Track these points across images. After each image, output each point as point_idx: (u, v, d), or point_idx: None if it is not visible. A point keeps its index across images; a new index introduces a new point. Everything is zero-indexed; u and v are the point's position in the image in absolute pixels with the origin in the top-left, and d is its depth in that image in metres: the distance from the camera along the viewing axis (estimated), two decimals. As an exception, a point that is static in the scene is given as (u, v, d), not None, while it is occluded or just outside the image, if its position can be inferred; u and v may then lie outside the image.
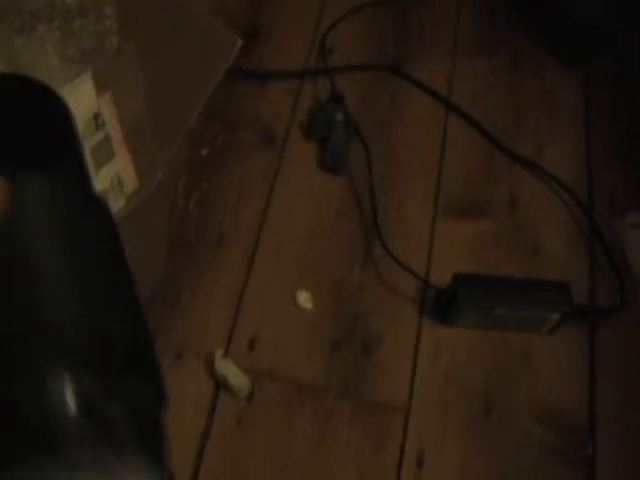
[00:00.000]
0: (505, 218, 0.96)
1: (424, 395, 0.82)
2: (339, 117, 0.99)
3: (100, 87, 0.63)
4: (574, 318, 0.85)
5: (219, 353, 0.81)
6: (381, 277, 0.90)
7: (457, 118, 1.04)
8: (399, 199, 0.97)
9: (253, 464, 0.76)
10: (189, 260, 0.89)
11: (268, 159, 0.99)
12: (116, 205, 0.67)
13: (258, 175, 0.97)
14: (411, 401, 0.81)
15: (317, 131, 1.00)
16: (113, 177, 0.66)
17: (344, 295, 0.88)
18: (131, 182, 0.68)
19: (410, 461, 0.78)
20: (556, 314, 0.84)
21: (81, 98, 0.62)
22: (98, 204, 0.37)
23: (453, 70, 1.09)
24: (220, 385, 0.80)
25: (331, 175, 0.98)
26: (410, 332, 0.86)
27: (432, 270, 0.90)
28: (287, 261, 0.90)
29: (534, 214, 0.97)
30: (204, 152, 0.98)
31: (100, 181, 0.65)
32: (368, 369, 0.83)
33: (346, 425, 0.79)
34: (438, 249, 0.93)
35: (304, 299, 0.86)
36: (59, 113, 0.39)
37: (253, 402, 0.80)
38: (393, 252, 0.88)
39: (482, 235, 0.94)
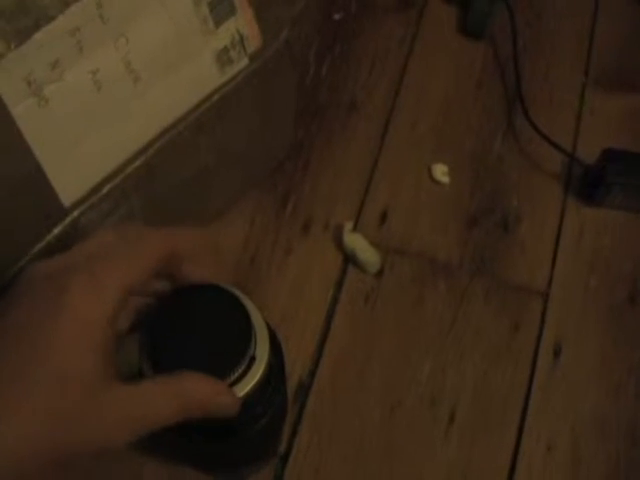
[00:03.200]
0: (662, 91, 0.87)
1: (565, 279, 0.77)
2: (483, -23, 0.91)
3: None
4: None
5: (348, 226, 0.77)
6: (523, 151, 0.84)
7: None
8: (545, 67, 0.89)
9: (380, 341, 0.73)
10: (320, 127, 0.85)
11: (405, 24, 0.92)
12: (238, 64, 0.63)
13: (394, 41, 0.91)
14: (551, 285, 0.76)
15: (458, -8, 0.92)
16: (234, 34, 0.62)
17: (483, 169, 0.83)
18: (254, 40, 0.64)
19: (547, 349, 0.73)
20: None
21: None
22: None
23: None
24: (349, 260, 0.77)
25: (472, 41, 0.91)
26: (553, 211, 0.80)
27: (579, 145, 0.84)
28: (423, 132, 0.85)
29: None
30: (337, 16, 0.92)
31: (220, 38, 0.61)
32: (506, 249, 0.78)
33: (480, 307, 0.75)
34: (587, 122, 0.85)
35: (440, 172, 0.81)
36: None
37: (382, 279, 0.76)
38: (537, 124, 0.82)
39: (636, 109, 0.86)
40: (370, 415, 0.70)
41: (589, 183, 0.80)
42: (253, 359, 0.47)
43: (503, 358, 0.73)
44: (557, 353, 0.73)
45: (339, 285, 0.76)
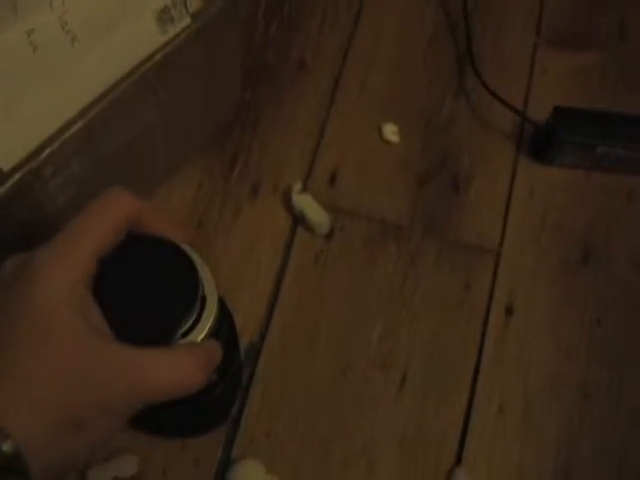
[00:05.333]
0: (613, 49, 0.87)
1: (516, 238, 0.76)
2: None
3: None
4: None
5: (297, 187, 0.75)
6: (474, 110, 0.83)
7: None
8: (496, 26, 0.88)
9: (330, 303, 0.72)
10: (269, 87, 0.83)
11: (355, -18, 0.90)
12: (180, 23, 0.62)
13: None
14: (502, 244, 0.76)
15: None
16: (176, -7, 0.60)
17: (433, 129, 0.81)
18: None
19: (499, 308, 0.73)
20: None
21: None
22: None
23: None
24: (298, 221, 0.76)
25: None
26: (504, 170, 0.79)
27: (530, 104, 0.83)
28: (373, 91, 0.84)
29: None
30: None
31: (160, -3, 0.59)
32: (457, 208, 0.77)
33: (431, 267, 0.74)
34: (538, 82, 0.84)
35: (390, 132, 0.80)
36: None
37: (332, 240, 0.75)
38: (488, 83, 0.81)
39: (587, 68, 0.85)
40: (320, 378, 0.69)
41: (540, 142, 0.79)
42: (204, 300, 0.46)
43: (454, 318, 0.72)
44: (509, 312, 0.73)
45: (288, 247, 0.75)
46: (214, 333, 0.47)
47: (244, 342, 0.70)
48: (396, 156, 0.80)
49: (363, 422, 0.68)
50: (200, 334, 0.46)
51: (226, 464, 0.66)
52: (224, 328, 0.51)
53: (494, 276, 0.74)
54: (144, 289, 0.45)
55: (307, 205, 0.74)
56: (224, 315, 0.50)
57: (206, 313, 0.46)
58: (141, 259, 0.46)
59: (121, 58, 0.59)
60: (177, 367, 0.43)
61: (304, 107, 0.82)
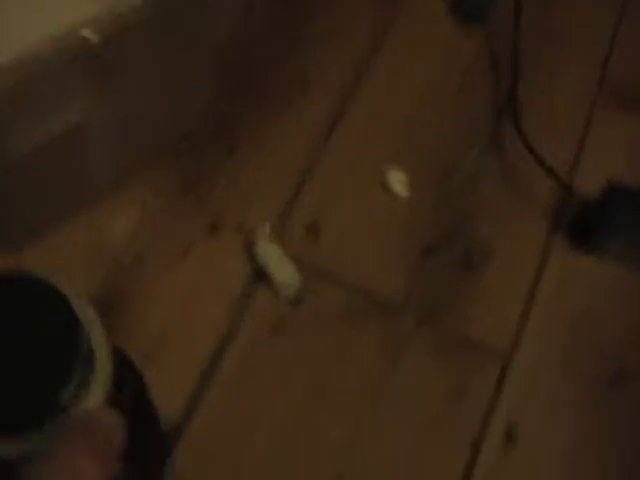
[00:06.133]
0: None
1: (535, 343, 0.62)
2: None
3: None
4: None
5: (264, 232, 0.63)
6: (506, 169, 0.69)
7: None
8: (549, 71, 0.75)
9: (282, 389, 0.59)
10: (256, 103, 0.70)
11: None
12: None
13: (368, 9, 0.77)
14: (516, 348, 0.62)
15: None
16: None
17: (452, 185, 0.69)
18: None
19: (497, 431, 0.58)
20: None
21: None
22: None
23: None
24: (259, 276, 0.62)
25: (464, 26, 0.77)
26: (533, 251, 0.66)
27: (578, 173, 0.70)
28: (385, 127, 0.71)
29: None
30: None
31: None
32: (466, 292, 0.64)
33: (421, 363, 0.61)
34: (592, 146, 0.71)
35: (397, 181, 0.68)
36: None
37: (300, 307, 0.62)
38: (529, 138, 0.68)
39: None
40: None
41: (585, 222, 0.67)
42: (91, 354, 0.33)
43: (439, 436, 0.58)
44: (510, 439, 0.59)
45: (242, 307, 0.62)
46: (111, 400, 0.34)
47: (163, 417, 0.56)
48: (400, 213, 0.67)
49: None
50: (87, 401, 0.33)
51: None
52: (127, 391, 0.38)
53: (498, 388, 0.60)
54: None
55: (273, 257, 0.63)
56: (128, 373, 0.38)
57: (97, 372, 0.33)
58: None
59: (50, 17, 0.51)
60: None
61: (295, 135, 0.70)
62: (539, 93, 0.74)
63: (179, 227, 0.64)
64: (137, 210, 0.65)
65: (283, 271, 0.62)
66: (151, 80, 0.58)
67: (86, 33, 0.49)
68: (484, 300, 0.64)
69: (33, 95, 0.52)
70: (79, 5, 0.50)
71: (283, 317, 0.61)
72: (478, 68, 0.75)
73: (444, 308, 0.63)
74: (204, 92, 0.66)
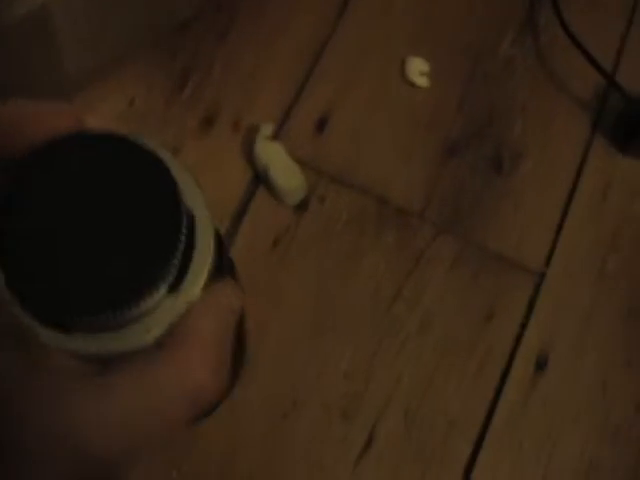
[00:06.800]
0: None
1: (571, 258, 0.57)
2: None
3: None
4: None
5: (266, 130, 0.57)
6: (543, 59, 0.63)
7: None
8: None
9: (285, 308, 0.54)
10: None
11: None
12: None
13: None
14: (549, 264, 0.56)
15: None
16: None
17: (481, 75, 0.62)
18: None
19: (528, 358, 0.54)
20: None
21: None
22: None
23: None
24: (260, 180, 0.56)
25: None
26: (570, 153, 0.60)
27: (623, 66, 0.63)
28: (403, 10, 0.64)
29: None
30: None
31: None
32: (494, 198, 0.58)
33: (441, 278, 0.55)
34: (637, 39, 0.64)
35: (418, 71, 0.61)
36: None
37: (305, 215, 0.57)
38: (570, 24, 0.61)
39: None
40: (251, 420, 0.52)
41: (630, 122, 0.61)
42: (191, 222, 0.29)
43: (462, 360, 0.54)
44: (540, 366, 0.54)
45: (239, 215, 0.57)
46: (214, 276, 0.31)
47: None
48: (420, 107, 0.61)
49: None
50: (197, 284, 0.29)
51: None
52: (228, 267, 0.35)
53: (529, 308, 0.55)
54: (86, 217, 0.29)
55: (276, 159, 0.57)
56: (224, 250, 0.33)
57: (199, 245, 0.29)
58: (79, 164, 0.29)
59: None
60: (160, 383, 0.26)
61: (301, 16, 0.63)
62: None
63: (169, 121, 0.58)
64: (123, 101, 0.59)
65: (286, 174, 0.56)
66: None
67: None
68: (514, 208, 0.59)
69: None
70: None
71: (287, 227, 0.56)
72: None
73: (468, 217, 0.58)
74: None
